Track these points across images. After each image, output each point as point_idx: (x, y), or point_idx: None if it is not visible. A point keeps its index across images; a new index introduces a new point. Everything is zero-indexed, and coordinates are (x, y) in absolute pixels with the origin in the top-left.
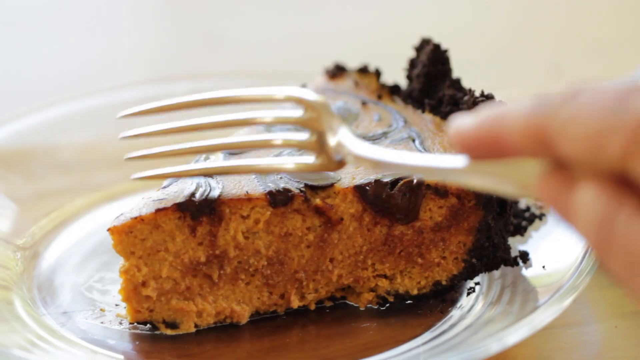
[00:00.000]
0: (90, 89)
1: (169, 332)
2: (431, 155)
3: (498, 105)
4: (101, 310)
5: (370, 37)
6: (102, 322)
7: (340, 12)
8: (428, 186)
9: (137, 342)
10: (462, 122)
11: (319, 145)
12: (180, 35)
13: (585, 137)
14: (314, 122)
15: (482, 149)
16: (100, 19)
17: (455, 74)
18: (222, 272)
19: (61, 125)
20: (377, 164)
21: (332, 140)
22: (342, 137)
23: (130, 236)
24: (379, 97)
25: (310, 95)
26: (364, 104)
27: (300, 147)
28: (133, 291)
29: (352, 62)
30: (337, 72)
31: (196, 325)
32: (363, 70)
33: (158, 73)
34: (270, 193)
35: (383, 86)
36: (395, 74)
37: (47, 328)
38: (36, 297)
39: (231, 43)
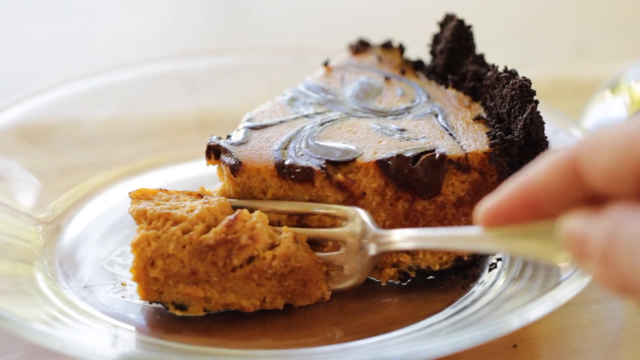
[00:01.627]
0: (113, 63)
1: (178, 313)
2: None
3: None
4: (122, 284)
5: (394, 12)
6: (123, 297)
7: None
8: (450, 161)
9: (157, 316)
10: (488, 201)
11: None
12: (206, 10)
13: (611, 159)
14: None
15: (516, 213)
16: None
17: (479, 50)
18: (227, 261)
19: (84, 100)
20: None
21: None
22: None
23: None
24: (402, 72)
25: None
26: (387, 79)
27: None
28: (143, 270)
29: (376, 38)
30: (361, 47)
31: (205, 310)
32: (386, 46)
33: (182, 48)
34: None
35: (406, 62)
36: (419, 50)
37: (69, 302)
38: (58, 271)
39: (256, 19)
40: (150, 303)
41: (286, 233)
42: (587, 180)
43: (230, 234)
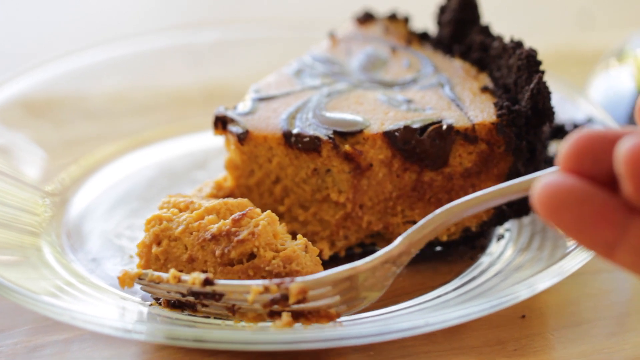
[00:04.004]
0: (117, 36)
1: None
2: None
3: None
4: (130, 257)
5: None
6: (131, 269)
7: None
8: (457, 132)
9: None
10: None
11: None
12: None
13: None
14: None
15: None
16: None
17: (485, 20)
18: (225, 251)
19: (89, 72)
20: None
21: None
22: None
23: None
24: (409, 42)
25: None
26: (393, 50)
27: None
28: (148, 247)
29: (379, 8)
30: (366, 18)
31: None
32: (392, 17)
33: (186, 20)
34: None
35: (412, 33)
36: (424, 20)
37: (76, 274)
38: (65, 244)
39: None
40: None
41: (299, 240)
42: None
43: (235, 227)
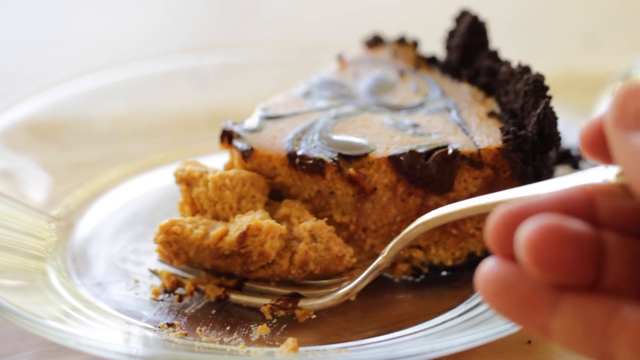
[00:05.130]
0: (123, 59)
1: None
2: None
3: None
4: (135, 281)
5: (408, 6)
6: (136, 293)
7: None
8: (463, 157)
9: (171, 314)
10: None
11: None
12: (214, 4)
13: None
14: None
15: None
16: None
17: (493, 45)
18: (244, 267)
19: (95, 96)
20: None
21: None
22: None
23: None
24: (417, 66)
25: None
26: (401, 73)
27: None
28: (168, 259)
29: (386, 31)
30: (375, 42)
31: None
32: (401, 41)
33: (191, 43)
34: None
35: (420, 57)
36: (432, 44)
37: (82, 299)
38: (70, 268)
39: (266, 12)
40: None
41: (304, 231)
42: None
43: (243, 248)
